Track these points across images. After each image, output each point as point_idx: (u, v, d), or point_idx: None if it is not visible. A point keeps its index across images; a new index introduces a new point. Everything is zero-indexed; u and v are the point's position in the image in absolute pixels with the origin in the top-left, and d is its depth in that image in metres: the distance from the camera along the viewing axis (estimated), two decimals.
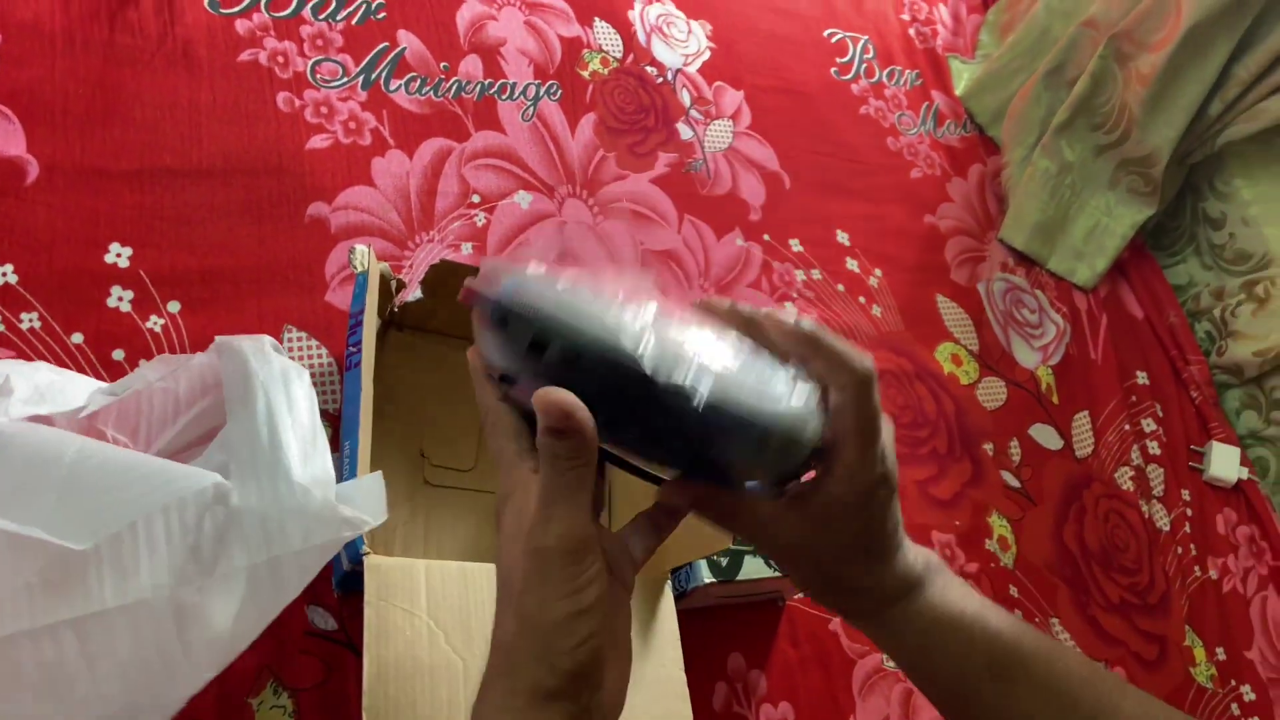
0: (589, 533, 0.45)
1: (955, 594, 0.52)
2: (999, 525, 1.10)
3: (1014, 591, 1.07)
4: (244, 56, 0.94)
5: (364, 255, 0.76)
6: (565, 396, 0.44)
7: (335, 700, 0.71)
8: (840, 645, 0.93)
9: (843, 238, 1.22)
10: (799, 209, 1.21)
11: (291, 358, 0.81)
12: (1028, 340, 1.29)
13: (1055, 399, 1.25)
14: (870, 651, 0.94)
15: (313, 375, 0.80)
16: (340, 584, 0.73)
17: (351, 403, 0.72)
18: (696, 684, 0.85)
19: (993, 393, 1.21)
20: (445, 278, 0.78)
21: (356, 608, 0.74)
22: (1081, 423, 1.24)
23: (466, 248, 0.96)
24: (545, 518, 0.45)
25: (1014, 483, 1.15)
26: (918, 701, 0.94)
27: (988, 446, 1.16)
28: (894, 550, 0.50)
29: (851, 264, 1.20)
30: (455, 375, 0.86)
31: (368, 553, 0.64)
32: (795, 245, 1.17)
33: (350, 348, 0.76)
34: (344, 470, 0.72)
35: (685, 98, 1.22)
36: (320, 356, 0.83)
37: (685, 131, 1.19)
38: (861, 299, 1.18)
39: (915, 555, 0.52)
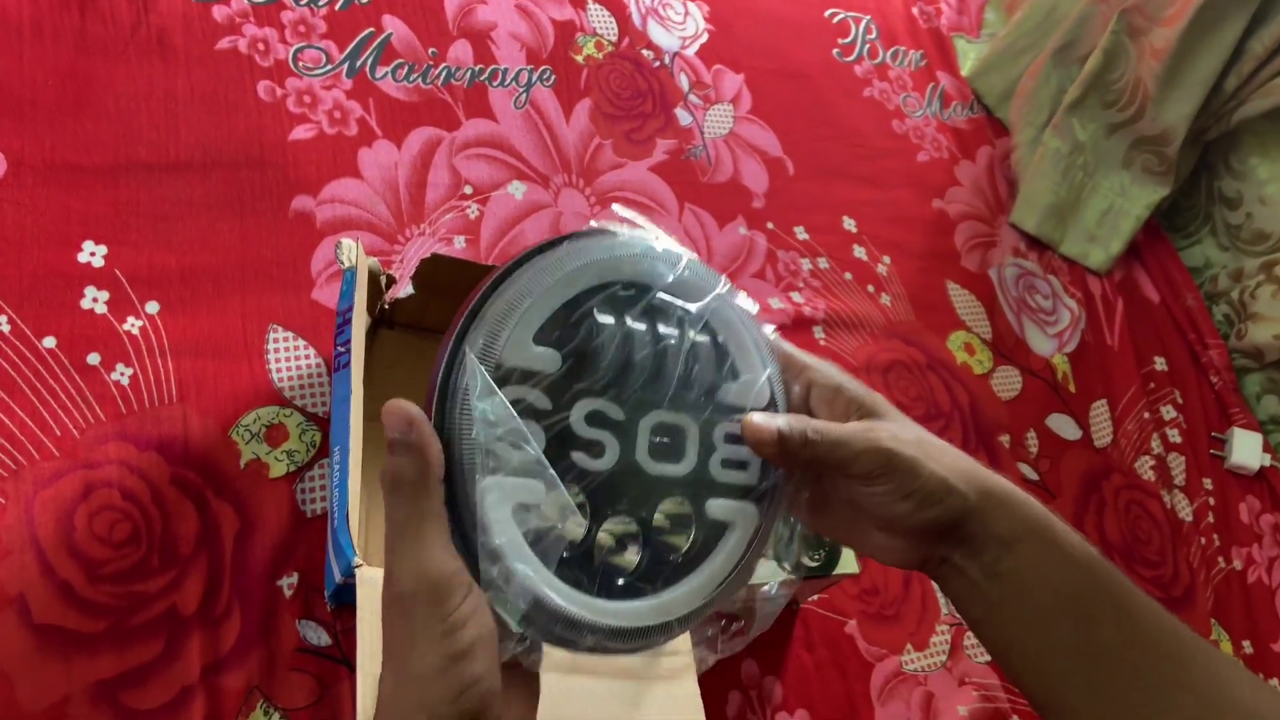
0: (447, 567, 0.41)
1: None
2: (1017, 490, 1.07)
3: None
4: (222, 44, 0.90)
5: (352, 250, 0.73)
6: (412, 407, 0.42)
7: (327, 718, 0.68)
8: (857, 649, 0.90)
9: (849, 224, 1.19)
10: (803, 195, 1.18)
11: (277, 359, 0.78)
12: (1042, 327, 1.25)
13: (1072, 387, 1.22)
14: (888, 655, 0.91)
15: (299, 377, 0.77)
16: (333, 597, 0.70)
17: (341, 405, 0.69)
18: (709, 693, 0.81)
19: (1008, 382, 1.18)
20: (437, 273, 0.75)
21: (351, 622, 0.71)
22: (1100, 411, 1.21)
23: (459, 241, 0.92)
24: (395, 561, 0.41)
25: (1032, 475, 1.12)
26: (938, 705, 0.91)
27: (1004, 438, 1.13)
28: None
29: (859, 251, 1.17)
30: None
31: (360, 564, 0.61)
32: (800, 233, 1.14)
33: (339, 347, 0.72)
34: (334, 476, 0.69)
35: (683, 82, 1.19)
36: (307, 357, 0.80)
37: (684, 117, 1.16)
38: (870, 287, 1.15)
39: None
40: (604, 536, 0.47)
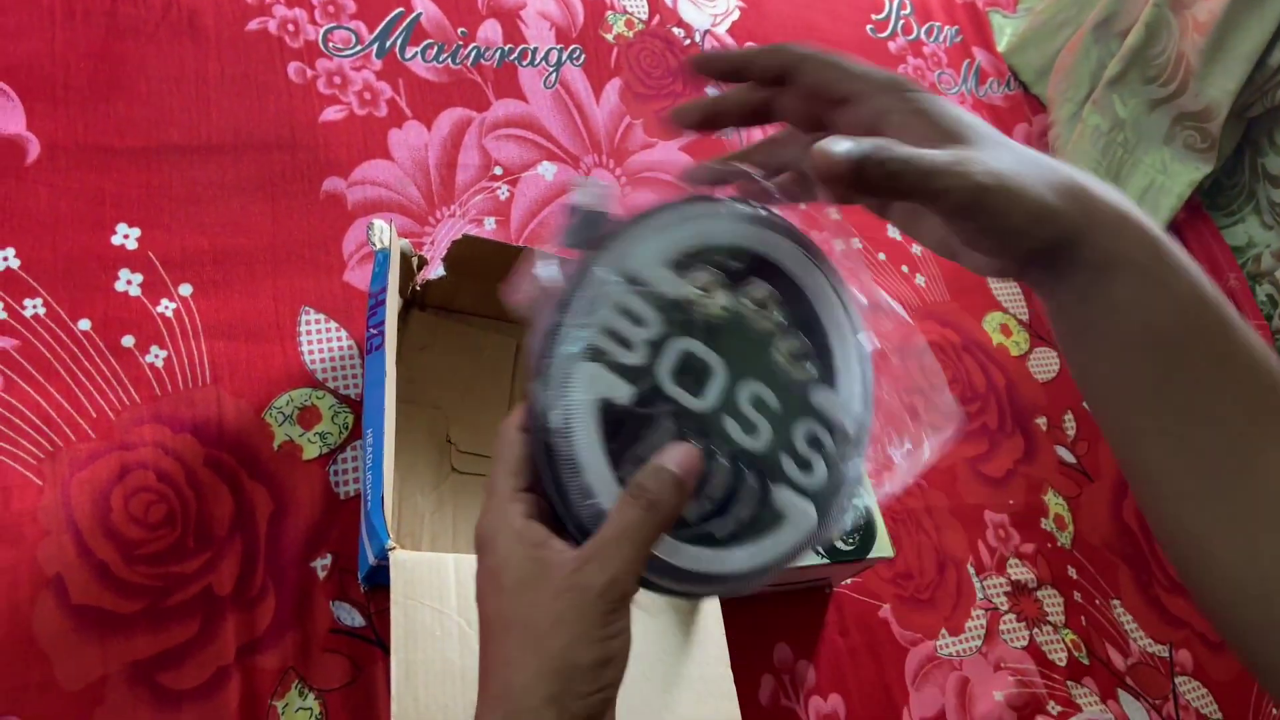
0: (636, 588, 0.44)
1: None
2: (1055, 503, 1.07)
3: (1072, 572, 1.03)
4: (253, 25, 0.91)
5: (384, 231, 0.73)
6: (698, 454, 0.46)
7: (364, 701, 0.69)
8: (891, 633, 0.90)
9: None
10: None
11: (309, 341, 0.79)
12: None
13: None
14: (923, 639, 0.91)
15: (331, 359, 0.78)
16: (366, 579, 0.71)
17: (374, 388, 0.69)
18: (741, 677, 0.81)
19: (1045, 364, 1.16)
20: (469, 254, 0.75)
21: (384, 603, 0.72)
22: None
23: (490, 222, 0.92)
24: (602, 557, 0.43)
25: (1069, 458, 1.11)
26: (974, 690, 0.91)
27: (1041, 421, 1.12)
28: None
29: (893, 231, 1.16)
30: (482, 357, 0.83)
31: (394, 547, 0.62)
32: (833, 213, 1.12)
33: (371, 330, 0.73)
34: (366, 459, 0.69)
35: None
36: (340, 339, 0.80)
37: (714, 94, 1.15)
38: (904, 268, 1.14)
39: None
40: None
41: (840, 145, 0.42)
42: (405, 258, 0.75)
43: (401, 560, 0.62)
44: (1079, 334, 0.47)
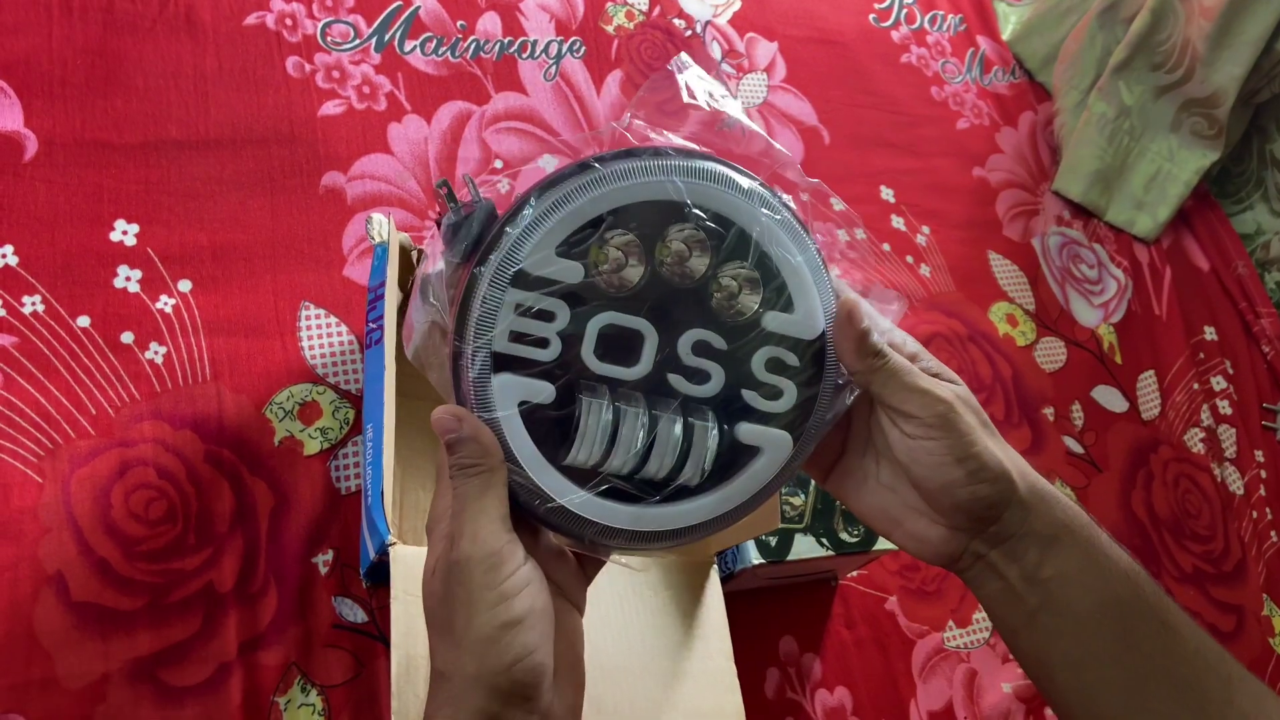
0: (502, 541, 0.44)
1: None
2: (1063, 494, 1.06)
3: None
4: (250, 20, 0.90)
5: (382, 225, 0.73)
6: (454, 408, 0.47)
7: (367, 696, 0.69)
8: (898, 625, 0.90)
9: (887, 194, 1.17)
10: (839, 165, 1.16)
11: (309, 336, 0.79)
12: (1087, 297, 1.23)
13: (1118, 358, 1.20)
14: (930, 631, 0.90)
15: (331, 354, 0.78)
16: (368, 574, 0.70)
17: (374, 382, 0.69)
18: (746, 670, 0.81)
19: (1052, 354, 1.16)
20: None
21: (386, 599, 0.71)
22: (1147, 383, 1.19)
23: None
24: (456, 530, 0.44)
25: (1077, 448, 1.10)
26: (982, 682, 0.90)
27: (1048, 411, 1.11)
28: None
29: (897, 221, 1.16)
30: None
31: (394, 542, 0.61)
32: (836, 203, 1.12)
33: (370, 324, 0.73)
34: (367, 454, 0.69)
35: (716, 51, 1.17)
36: (339, 334, 0.80)
37: None
38: (909, 258, 1.13)
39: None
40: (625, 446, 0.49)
41: (860, 318, 0.50)
42: (404, 252, 0.74)
43: (402, 555, 0.62)
44: (1032, 618, 0.49)
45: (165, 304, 0.75)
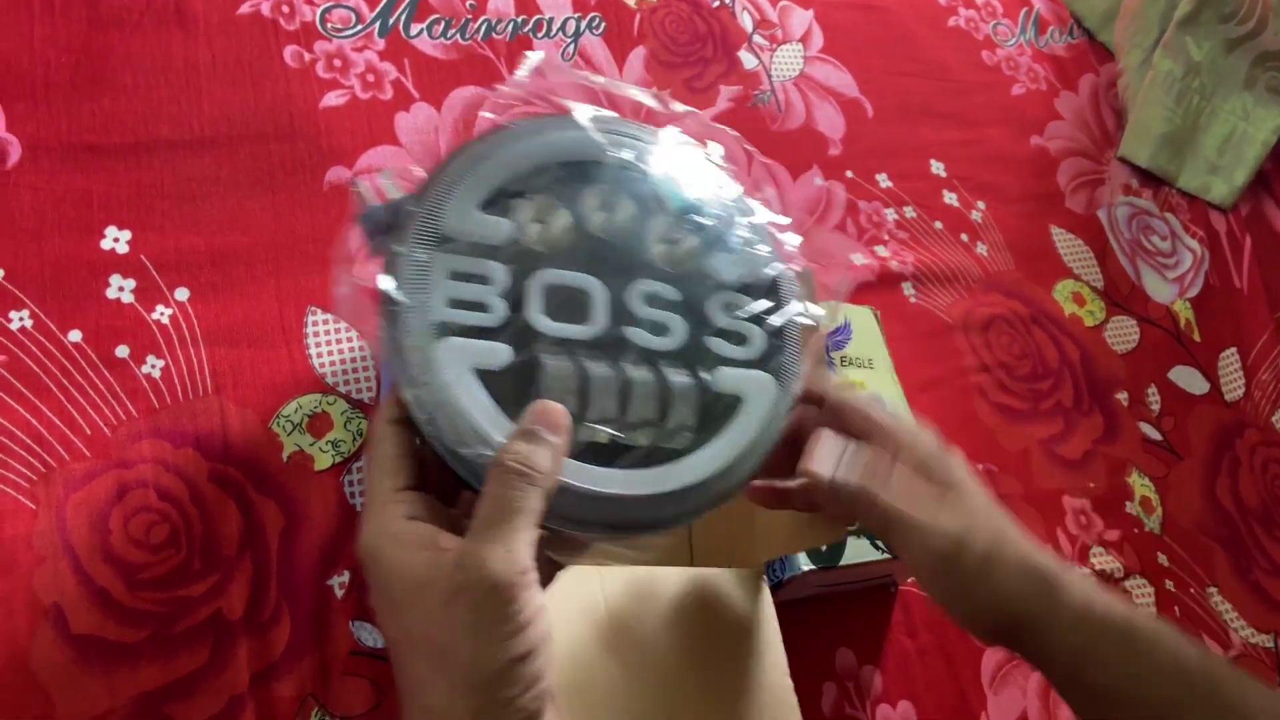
0: (530, 564, 0.41)
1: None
2: (1140, 485, 1.02)
3: (1163, 559, 0.98)
4: (244, 9, 0.89)
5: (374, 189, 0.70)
6: (556, 405, 0.46)
7: None
8: (964, 634, 0.86)
9: (938, 168, 1.14)
10: (885, 139, 1.13)
11: (317, 344, 0.77)
12: (1160, 271, 1.19)
13: (1197, 336, 1.15)
14: None
15: (342, 362, 0.76)
16: None
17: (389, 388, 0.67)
18: (801, 686, 0.78)
19: (1123, 334, 1.12)
20: None
21: None
22: (1229, 362, 1.15)
23: None
24: (483, 545, 0.41)
25: (1155, 435, 1.06)
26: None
27: (1121, 396, 1.07)
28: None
29: (950, 197, 1.12)
30: None
31: None
32: (883, 180, 1.09)
33: None
34: None
35: (746, 22, 1.14)
36: (349, 340, 0.78)
37: (749, 60, 1.12)
38: (964, 236, 1.10)
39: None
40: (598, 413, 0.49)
41: (826, 467, 0.52)
42: None
43: None
44: (1083, 707, 0.53)
45: (162, 314, 0.74)
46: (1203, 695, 0.49)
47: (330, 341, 0.78)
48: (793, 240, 0.59)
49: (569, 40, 1.02)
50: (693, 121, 0.60)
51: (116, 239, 0.76)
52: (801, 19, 1.18)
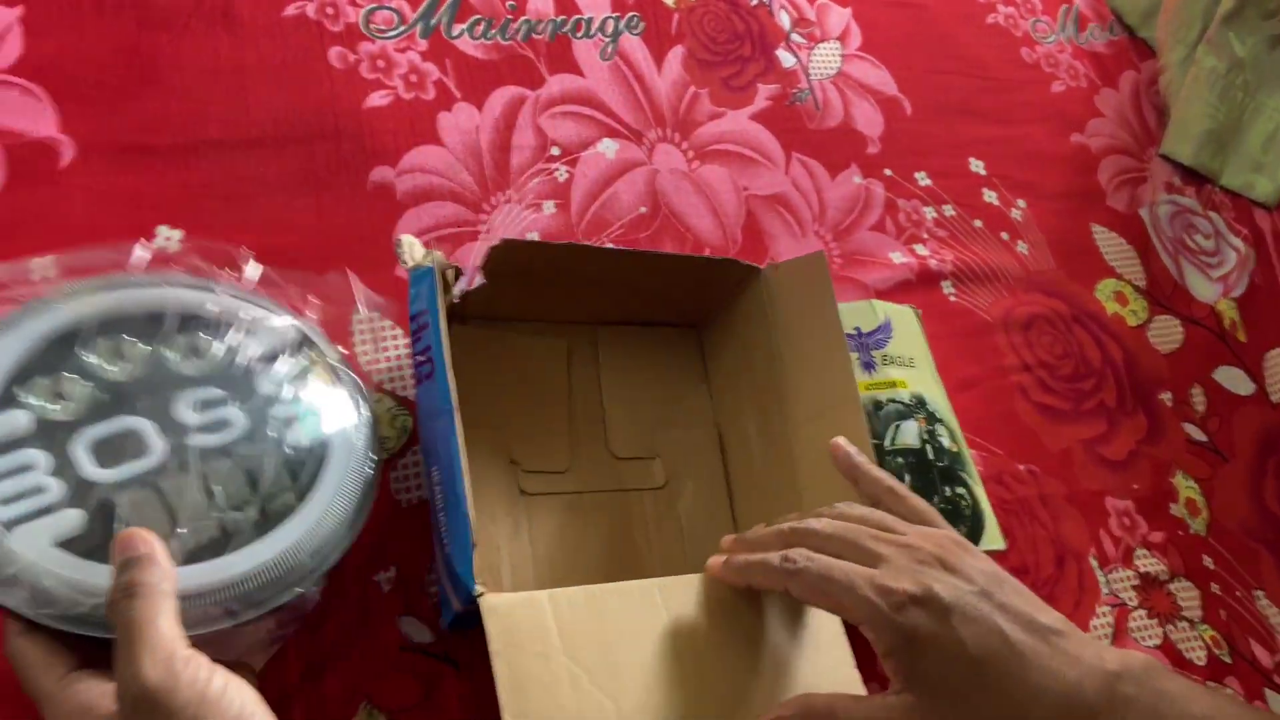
0: (175, 645, 0.46)
1: None
2: (1185, 486, 1.02)
3: (1209, 562, 0.98)
4: (289, 11, 0.91)
5: (413, 247, 0.72)
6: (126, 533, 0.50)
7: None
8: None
9: (977, 166, 1.14)
10: (924, 137, 1.14)
11: (363, 341, 0.78)
12: (1204, 270, 1.19)
13: (1242, 336, 1.15)
14: None
15: (387, 360, 0.77)
16: (452, 625, 0.69)
17: (432, 419, 0.67)
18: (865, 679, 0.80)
19: (1167, 333, 1.12)
20: (509, 258, 0.73)
21: (464, 634, 0.71)
22: (1276, 362, 1.14)
23: (549, 206, 0.91)
24: (132, 660, 0.45)
25: (1200, 436, 1.06)
26: None
27: (1165, 396, 1.07)
28: None
29: (989, 195, 1.13)
30: (530, 366, 0.81)
31: (482, 593, 0.60)
32: (922, 178, 1.10)
33: (419, 357, 0.71)
34: (436, 498, 0.67)
35: (784, 20, 1.15)
36: (394, 339, 0.80)
37: (787, 59, 1.12)
38: (1004, 235, 1.10)
39: None
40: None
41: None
42: (440, 271, 0.73)
43: (495, 606, 0.59)
44: None
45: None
46: None
47: (375, 340, 0.79)
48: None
49: (608, 40, 1.03)
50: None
51: (168, 238, 0.77)
52: (839, 17, 1.19)
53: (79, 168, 0.78)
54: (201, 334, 0.61)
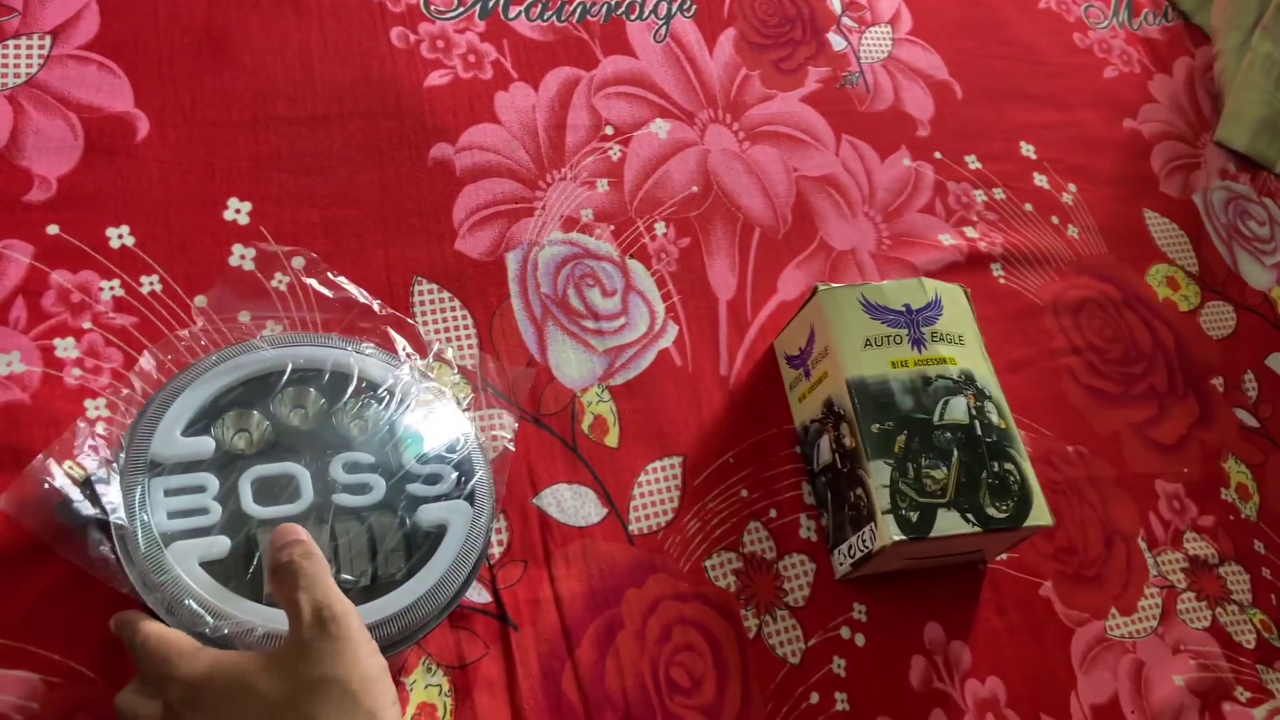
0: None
1: None
2: (1237, 471, 1.04)
3: (1259, 547, 1.00)
4: None
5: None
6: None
7: (492, 677, 0.72)
8: (1054, 612, 0.89)
9: (1028, 150, 1.16)
10: (974, 121, 1.16)
11: (424, 312, 0.82)
12: (1258, 257, 1.20)
13: None
14: (1090, 619, 0.90)
15: (446, 330, 0.81)
16: None
17: None
18: (890, 658, 0.82)
19: (1219, 319, 1.13)
20: None
21: (512, 578, 0.75)
22: None
23: (602, 184, 0.95)
24: (319, 596, 0.54)
25: (1251, 422, 1.08)
26: (1150, 675, 0.89)
27: (1217, 381, 1.09)
28: None
29: (1040, 179, 1.15)
30: None
31: None
32: (972, 162, 1.12)
33: None
34: None
35: (835, 4, 1.18)
36: (454, 309, 0.83)
37: (838, 42, 1.15)
38: (1054, 219, 1.12)
39: None
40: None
41: None
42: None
43: None
44: None
45: (280, 282, 0.80)
46: None
47: (436, 310, 0.83)
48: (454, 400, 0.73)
49: (660, 23, 1.07)
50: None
51: (238, 210, 0.82)
52: (890, 1, 1.21)
53: (154, 141, 0.82)
54: (374, 403, 0.69)
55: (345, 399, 0.68)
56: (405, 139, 0.90)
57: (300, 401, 0.67)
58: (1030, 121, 1.19)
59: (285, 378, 0.67)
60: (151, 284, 0.77)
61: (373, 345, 0.72)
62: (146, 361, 0.68)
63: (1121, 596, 0.92)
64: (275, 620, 0.58)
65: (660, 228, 0.95)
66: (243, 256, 0.80)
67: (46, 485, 0.60)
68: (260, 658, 0.53)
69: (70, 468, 0.61)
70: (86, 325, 0.74)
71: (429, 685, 0.70)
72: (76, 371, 0.72)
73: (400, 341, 0.74)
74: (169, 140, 0.82)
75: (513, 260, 0.88)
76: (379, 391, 0.69)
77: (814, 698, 0.79)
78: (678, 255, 0.94)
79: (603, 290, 0.90)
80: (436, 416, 0.70)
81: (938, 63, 1.19)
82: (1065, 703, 0.86)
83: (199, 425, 0.63)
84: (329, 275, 0.76)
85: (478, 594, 0.74)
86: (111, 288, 0.76)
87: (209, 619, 0.57)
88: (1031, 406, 0.98)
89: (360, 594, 0.62)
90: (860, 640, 0.83)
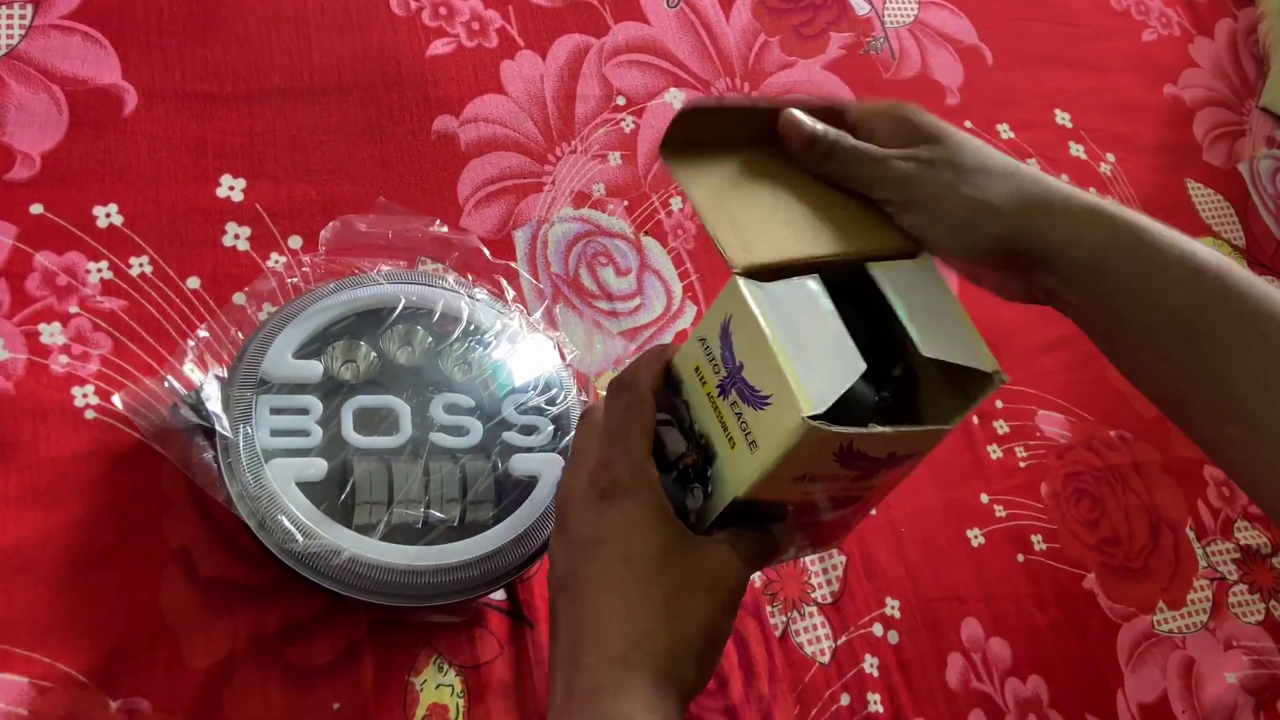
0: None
1: None
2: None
3: None
4: None
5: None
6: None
7: (507, 677, 0.71)
8: (1099, 607, 0.88)
9: (1063, 118, 1.15)
10: (1006, 87, 1.15)
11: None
12: None
13: None
14: (1137, 614, 0.89)
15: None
16: None
17: None
18: (926, 656, 0.82)
19: None
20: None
21: (524, 572, 0.74)
22: None
23: (614, 157, 0.94)
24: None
25: None
26: (1201, 672, 0.88)
27: None
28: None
29: (1076, 149, 1.13)
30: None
31: None
32: (1005, 131, 1.11)
33: None
34: None
35: None
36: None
37: (861, 6, 1.14)
38: (1092, 190, 1.11)
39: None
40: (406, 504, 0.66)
41: (806, 120, 0.57)
42: None
43: None
44: (1107, 337, 0.56)
45: (277, 262, 0.79)
46: (1216, 295, 0.51)
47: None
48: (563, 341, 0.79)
49: None
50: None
51: (232, 187, 0.81)
52: None
53: (142, 115, 0.81)
54: (480, 348, 0.73)
55: (452, 340, 0.72)
56: (407, 111, 0.89)
57: (408, 339, 0.72)
58: (1065, 88, 1.17)
59: (396, 313, 0.71)
60: (141, 265, 0.76)
61: (484, 291, 0.76)
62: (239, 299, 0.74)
63: (1169, 589, 0.91)
64: (362, 547, 0.63)
65: (676, 203, 0.94)
66: (236, 236, 0.79)
67: (167, 385, 0.66)
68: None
69: (190, 371, 0.68)
70: (73, 309, 0.73)
71: (440, 685, 0.70)
72: (63, 359, 0.71)
73: (510, 292, 0.79)
74: (158, 114, 0.81)
75: (521, 238, 0.87)
76: (485, 337, 0.73)
77: (845, 699, 0.78)
78: (695, 232, 0.93)
79: (616, 269, 0.89)
80: (539, 369, 0.74)
81: (967, 26, 1.17)
82: (1111, 702, 0.85)
83: (309, 350, 0.68)
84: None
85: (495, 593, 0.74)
86: (99, 269, 0.75)
87: (299, 537, 0.62)
88: (1071, 390, 0.97)
89: (447, 533, 0.66)
90: (894, 637, 0.82)
